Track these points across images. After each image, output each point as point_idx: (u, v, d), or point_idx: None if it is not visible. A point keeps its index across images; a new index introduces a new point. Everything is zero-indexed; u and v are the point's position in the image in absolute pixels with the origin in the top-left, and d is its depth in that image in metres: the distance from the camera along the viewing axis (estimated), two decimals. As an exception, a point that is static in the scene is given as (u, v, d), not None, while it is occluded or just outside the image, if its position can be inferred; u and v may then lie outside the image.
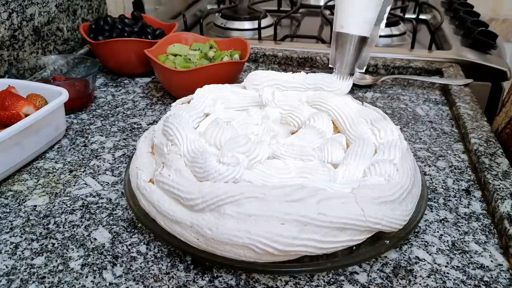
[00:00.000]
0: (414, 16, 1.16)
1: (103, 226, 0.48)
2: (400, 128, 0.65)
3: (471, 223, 0.49)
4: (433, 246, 0.46)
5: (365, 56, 0.56)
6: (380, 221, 0.40)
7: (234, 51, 0.77)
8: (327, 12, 1.22)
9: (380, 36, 1.03)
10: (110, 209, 0.51)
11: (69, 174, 0.57)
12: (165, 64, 0.71)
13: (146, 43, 0.78)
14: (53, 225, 0.49)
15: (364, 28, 0.51)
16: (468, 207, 0.51)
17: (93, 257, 0.44)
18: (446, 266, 0.43)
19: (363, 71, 0.56)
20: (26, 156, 0.58)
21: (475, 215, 0.50)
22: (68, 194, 0.53)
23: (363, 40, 0.52)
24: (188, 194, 0.40)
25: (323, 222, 0.38)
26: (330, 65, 0.55)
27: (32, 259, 0.44)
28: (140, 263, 0.44)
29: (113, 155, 0.61)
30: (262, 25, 1.03)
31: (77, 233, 0.47)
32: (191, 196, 0.40)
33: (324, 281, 0.42)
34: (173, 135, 0.46)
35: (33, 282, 0.42)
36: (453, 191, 0.54)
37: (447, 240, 0.46)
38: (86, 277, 0.42)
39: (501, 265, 0.44)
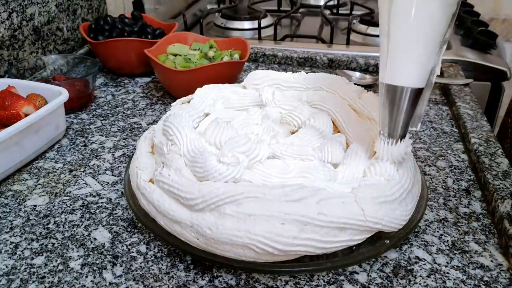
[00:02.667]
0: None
1: (103, 226, 0.48)
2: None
3: (471, 223, 0.49)
4: (433, 246, 0.46)
5: (420, 109, 0.44)
6: (380, 221, 0.40)
7: (234, 51, 0.77)
8: (327, 12, 1.22)
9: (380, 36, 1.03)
10: (110, 209, 0.51)
11: (69, 174, 0.57)
12: (165, 64, 0.71)
13: (146, 43, 0.78)
14: (53, 225, 0.49)
15: (422, 78, 0.40)
16: (468, 207, 0.51)
17: (93, 257, 0.44)
18: (446, 266, 0.43)
19: (418, 128, 0.45)
20: (26, 156, 0.58)
21: (475, 215, 0.50)
22: (68, 194, 0.53)
23: (419, 92, 0.40)
24: (188, 194, 0.40)
25: (323, 222, 0.38)
26: (379, 128, 0.43)
27: (32, 259, 0.44)
28: (140, 263, 0.44)
29: (113, 155, 0.61)
30: (262, 25, 1.03)
31: (77, 233, 0.47)
32: (191, 195, 0.40)
33: (324, 281, 0.42)
34: (173, 134, 0.46)
35: (33, 282, 0.42)
36: (453, 191, 0.54)
37: (447, 240, 0.46)
38: (86, 276, 0.42)
39: (501, 265, 0.44)
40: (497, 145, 0.60)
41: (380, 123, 0.43)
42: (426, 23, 0.38)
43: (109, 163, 0.59)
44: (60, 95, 0.61)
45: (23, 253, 0.45)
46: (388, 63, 0.40)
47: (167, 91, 0.78)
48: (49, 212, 0.50)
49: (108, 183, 0.55)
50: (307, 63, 0.91)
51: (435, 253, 0.45)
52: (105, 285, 0.41)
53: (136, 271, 0.43)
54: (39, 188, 0.54)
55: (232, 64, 0.73)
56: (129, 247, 0.46)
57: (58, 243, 0.46)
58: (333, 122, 0.52)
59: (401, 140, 0.42)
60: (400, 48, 0.39)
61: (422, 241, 0.46)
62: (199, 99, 0.54)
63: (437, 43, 0.39)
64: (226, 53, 0.76)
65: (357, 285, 0.41)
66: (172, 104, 0.55)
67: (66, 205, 0.52)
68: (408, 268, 0.43)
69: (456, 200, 0.52)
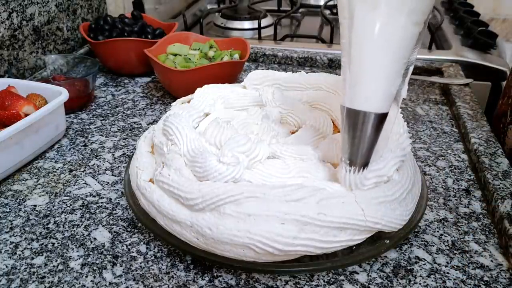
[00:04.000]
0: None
1: (103, 225, 0.48)
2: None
3: (471, 223, 0.49)
4: (433, 246, 0.46)
5: (385, 136, 0.40)
6: (380, 220, 0.40)
7: (234, 50, 0.77)
8: (327, 12, 1.22)
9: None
10: (110, 208, 0.51)
11: (69, 174, 0.57)
12: (165, 64, 0.71)
13: (146, 43, 0.78)
14: (53, 224, 0.49)
15: (386, 102, 0.37)
16: (468, 207, 0.51)
17: (93, 257, 0.44)
18: (446, 266, 0.43)
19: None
20: (26, 156, 0.58)
21: (475, 215, 0.50)
22: (68, 194, 0.53)
23: (383, 118, 0.37)
24: (188, 194, 0.40)
25: (323, 221, 0.38)
26: (340, 155, 0.41)
27: (32, 258, 0.44)
28: (140, 263, 0.44)
29: (113, 154, 0.61)
30: (262, 25, 1.03)
31: (77, 233, 0.47)
32: (191, 195, 0.40)
33: (324, 281, 0.42)
34: (173, 134, 0.46)
35: (33, 281, 0.42)
36: (453, 191, 0.54)
37: (447, 240, 0.46)
38: (86, 276, 0.42)
39: (501, 265, 0.44)
40: (497, 145, 0.60)
41: (341, 149, 0.40)
42: (391, 42, 0.35)
43: (109, 163, 0.59)
44: (60, 95, 0.61)
45: (23, 253, 0.45)
46: (349, 85, 0.37)
47: (167, 91, 0.78)
48: (49, 212, 0.50)
49: (108, 183, 0.55)
50: (307, 63, 0.91)
51: (435, 253, 0.45)
52: (105, 285, 0.41)
53: (136, 271, 0.43)
54: (39, 188, 0.54)
55: (232, 64, 0.73)
56: (129, 247, 0.46)
57: (58, 243, 0.46)
58: (333, 122, 0.52)
59: (363, 168, 0.39)
60: (362, 68, 0.36)
61: (422, 241, 0.46)
62: (199, 99, 0.54)
63: (402, 64, 0.36)
64: (226, 53, 0.76)
65: (357, 285, 0.41)
66: (172, 104, 0.55)
67: (66, 205, 0.52)
68: (408, 268, 0.43)
69: (456, 200, 0.52)
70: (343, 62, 0.38)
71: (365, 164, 0.39)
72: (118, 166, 0.59)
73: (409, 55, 0.36)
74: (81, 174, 0.57)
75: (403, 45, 0.35)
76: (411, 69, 0.38)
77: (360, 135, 0.38)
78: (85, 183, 0.55)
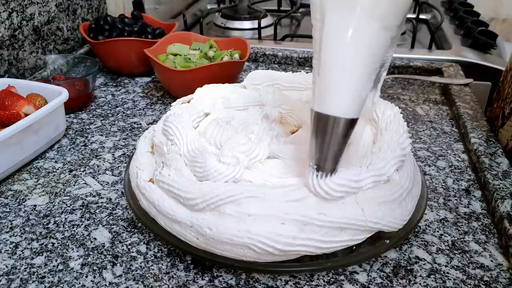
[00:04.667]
0: (414, 15, 1.16)
1: (103, 225, 0.48)
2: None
3: (471, 223, 0.49)
4: (433, 245, 0.46)
5: (355, 143, 0.40)
6: (380, 220, 0.40)
7: (234, 50, 0.77)
8: (327, 11, 1.21)
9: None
10: (110, 208, 0.51)
11: (69, 174, 0.57)
12: (165, 64, 0.71)
13: (146, 43, 0.78)
14: (53, 224, 0.49)
15: (356, 107, 0.36)
16: (468, 207, 0.51)
17: (93, 257, 0.44)
18: (446, 266, 0.43)
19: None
20: (26, 156, 0.58)
21: (475, 214, 0.50)
22: (68, 194, 0.53)
23: (352, 123, 0.36)
24: (188, 194, 0.40)
25: (323, 221, 0.38)
26: (309, 159, 0.39)
27: (32, 258, 0.44)
28: (140, 263, 0.44)
29: (113, 154, 0.61)
30: (262, 25, 1.03)
31: (77, 233, 0.47)
32: (191, 195, 0.40)
33: (324, 281, 0.42)
34: (173, 134, 0.46)
35: (33, 281, 0.42)
36: (453, 190, 0.54)
37: (447, 240, 0.47)
38: (86, 276, 0.42)
39: (501, 264, 0.44)
40: (497, 145, 0.60)
41: (308, 153, 0.39)
42: (362, 46, 0.34)
43: (109, 163, 0.59)
44: (60, 95, 0.61)
45: (23, 253, 0.45)
46: (318, 88, 0.36)
47: (167, 91, 0.78)
48: (49, 212, 0.50)
49: (108, 183, 0.55)
50: (307, 63, 0.91)
51: (435, 253, 0.45)
52: (105, 285, 0.41)
53: (136, 271, 0.43)
54: (39, 188, 0.54)
55: (232, 64, 0.73)
56: (129, 247, 0.46)
57: (58, 243, 0.46)
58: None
59: (331, 174, 0.38)
60: (331, 72, 0.35)
61: (422, 241, 0.46)
62: (199, 99, 0.54)
63: (373, 69, 0.35)
64: (226, 53, 0.76)
65: (357, 285, 0.41)
66: (172, 104, 0.55)
67: (66, 205, 0.52)
68: (408, 268, 0.43)
69: (456, 200, 0.52)
70: (314, 64, 0.37)
71: (332, 170, 0.38)
72: (118, 166, 0.59)
73: (381, 60, 0.35)
74: (81, 174, 0.57)
75: (374, 49, 0.34)
76: (384, 74, 0.37)
77: (329, 140, 0.37)
78: (85, 183, 0.55)
